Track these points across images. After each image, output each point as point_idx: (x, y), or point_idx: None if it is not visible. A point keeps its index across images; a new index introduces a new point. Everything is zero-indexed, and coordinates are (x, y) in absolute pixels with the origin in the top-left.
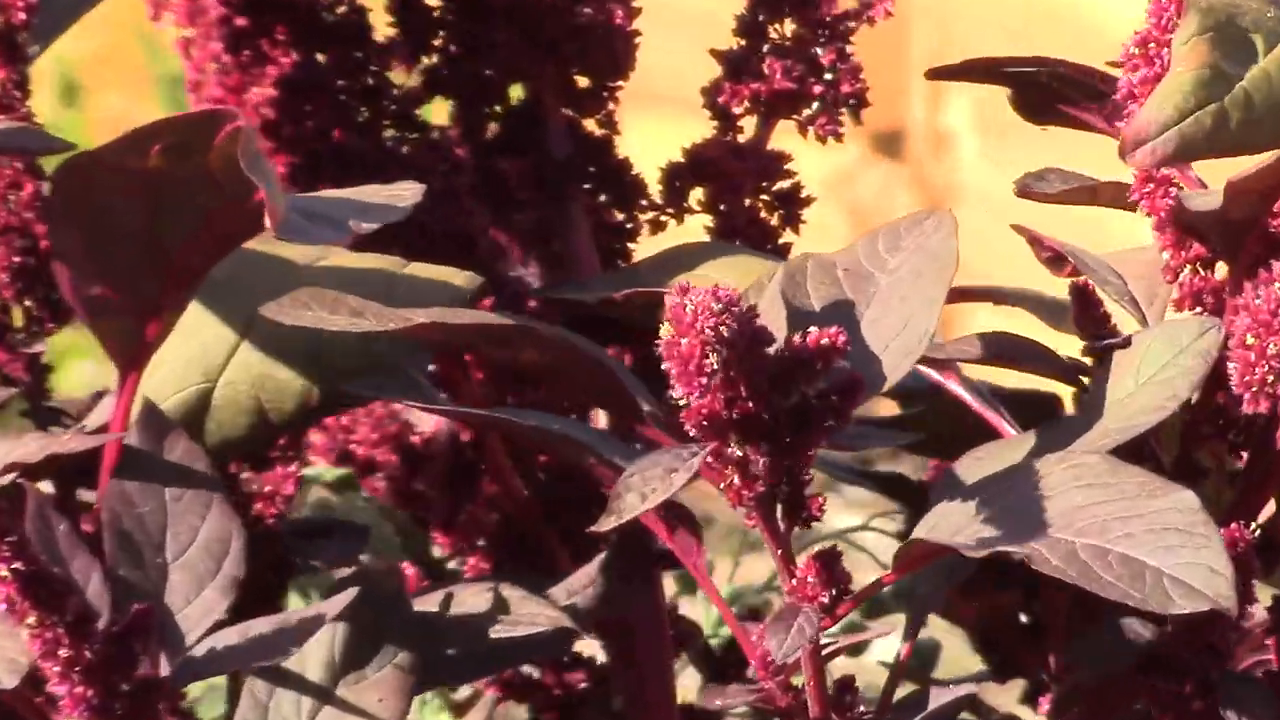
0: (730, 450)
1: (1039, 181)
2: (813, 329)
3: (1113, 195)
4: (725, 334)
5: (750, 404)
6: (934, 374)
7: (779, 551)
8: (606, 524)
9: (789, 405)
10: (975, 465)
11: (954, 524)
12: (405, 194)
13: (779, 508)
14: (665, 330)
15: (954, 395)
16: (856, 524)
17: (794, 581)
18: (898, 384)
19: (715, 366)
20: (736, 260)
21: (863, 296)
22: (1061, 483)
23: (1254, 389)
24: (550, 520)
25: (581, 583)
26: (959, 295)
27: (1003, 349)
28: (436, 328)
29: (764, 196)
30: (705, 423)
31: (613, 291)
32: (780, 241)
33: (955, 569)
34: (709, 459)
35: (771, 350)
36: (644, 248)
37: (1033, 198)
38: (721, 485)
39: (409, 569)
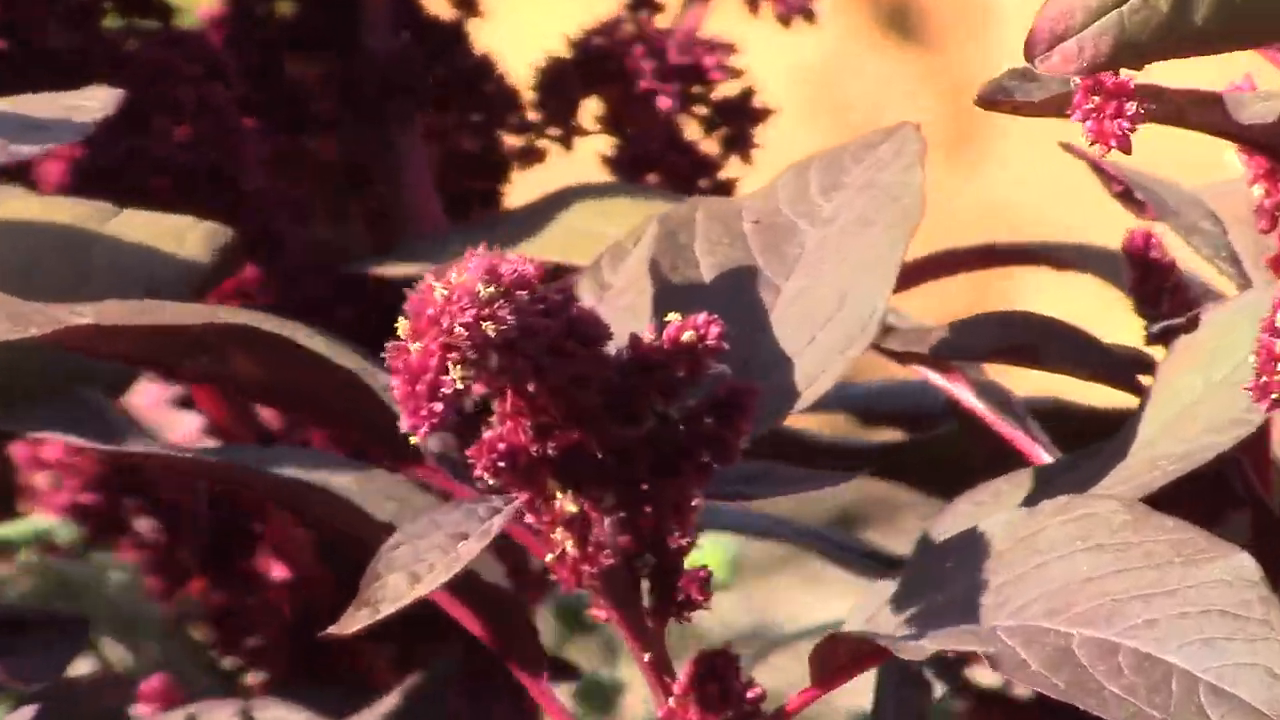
0: (556, 503)
1: (1016, 84)
2: (673, 317)
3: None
4: (496, 332)
5: (574, 432)
6: (941, 380)
7: (645, 658)
8: (353, 622)
9: (640, 434)
10: (965, 517)
11: (894, 610)
12: (91, 104)
13: (642, 590)
14: (400, 329)
15: (969, 410)
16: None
17: (669, 703)
18: (867, 395)
19: (459, 384)
20: (637, 207)
21: (779, 261)
22: (1060, 543)
23: None
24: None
25: (401, 707)
26: (996, 257)
27: (1014, 337)
28: (94, 333)
29: (696, 108)
30: (500, 462)
31: (441, 261)
32: (721, 177)
33: (908, 684)
34: (522, 516)
35: (610, 352)
36: (518, 190)
37: (999, 108)
38: (549, 559)
39: (157, 680)
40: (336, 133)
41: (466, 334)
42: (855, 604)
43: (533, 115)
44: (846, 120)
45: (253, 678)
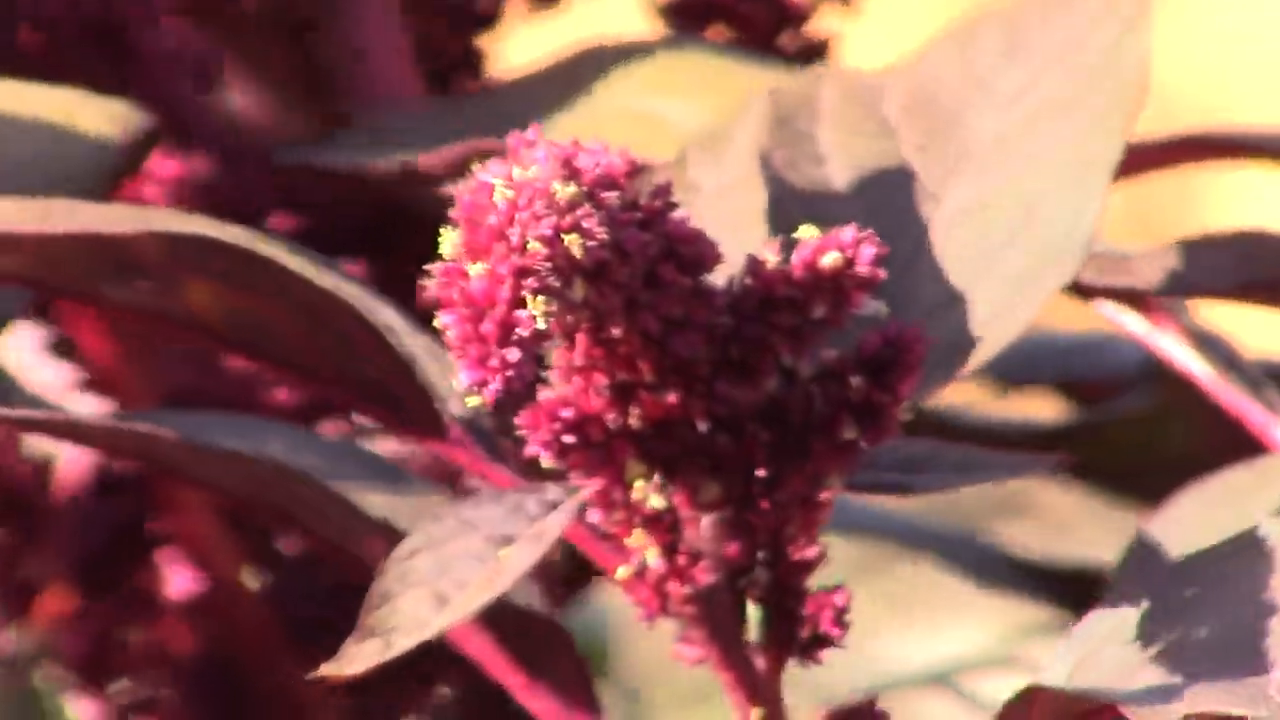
0: (637, 494)
1: None
2: (807, 232)
3: None
4: (583, 250)
5: (667, 395)
6: (1136, 325)
7: (754, 717)
8: (356, 659)
9: (758, 398)
10: (1193, 521)
11: (1120, 655)
12: None
13: (752, 619)
14: (447, 245)
15: (1178, 371)
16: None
17: None
18: (1016, 350)
19: (544, 322)
20: (702, 71)
21: (941, 160)
22: None
23: None
24: (303, 649)
25: None
26: (1200, 149)
27: (1266, 266)
28: None
29: None
30: (566, 435)
31: (431, 148)
32: (807, 36)
33: None
34: (587, 514)
35: (719, 283)
36: (515, 49)
37: None
38: (623, 574)
39: None
40: None
41: (546, 251)
42: (1022, 638)
43: None
44: None
45: None
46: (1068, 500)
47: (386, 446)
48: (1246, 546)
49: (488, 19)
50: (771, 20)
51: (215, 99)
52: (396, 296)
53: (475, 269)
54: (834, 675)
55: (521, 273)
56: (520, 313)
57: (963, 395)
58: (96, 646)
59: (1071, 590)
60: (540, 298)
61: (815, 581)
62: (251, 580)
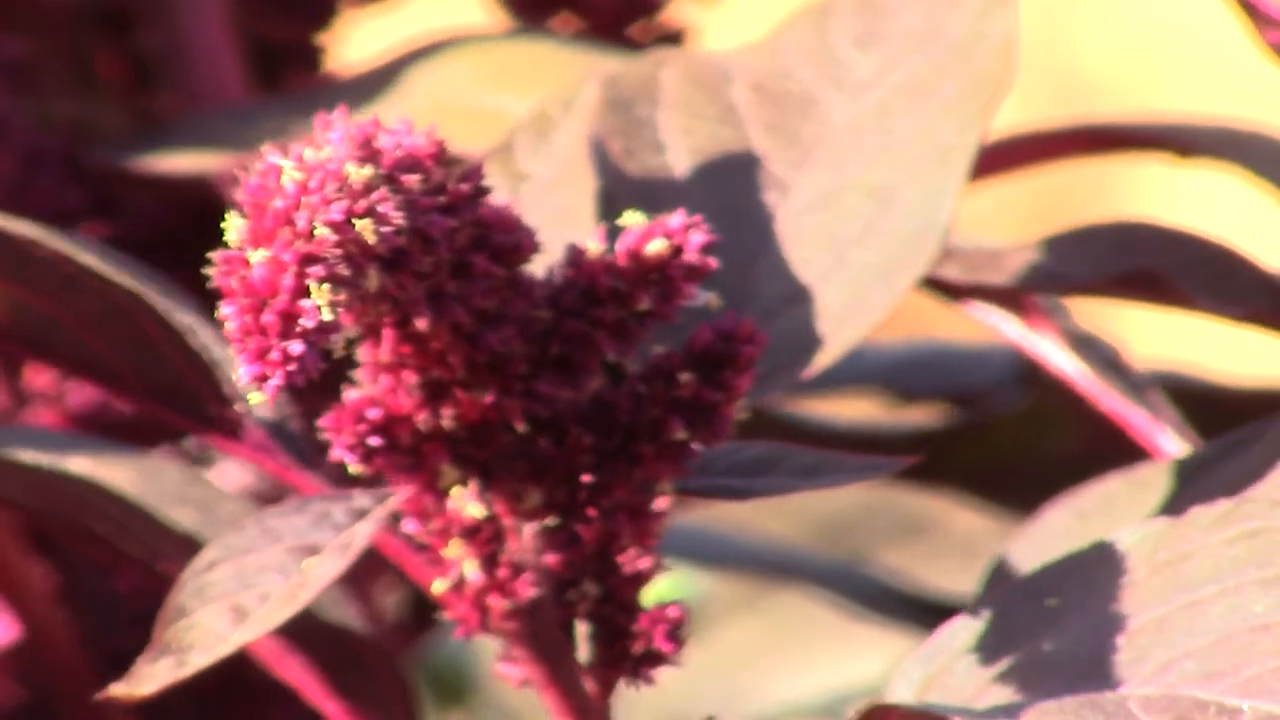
0: (454, 502)
1: None
2: (631, 219)
3: None
4: (378, 235)
5: (483, 394)
6: (1010, 329)
7: None
8: (147, 679)
9: (582, 398)
10: (1066, 532)
11: (969, 671)
12: None
13: (580, 638)
14: (232, 232)
15: (1052, 373)
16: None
17: None
18: (884, 357)
19: (326, 313)
20: (544, 62)
21: (791, 146)
22: (1223, 571)
23: None
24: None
25: None
26: (1096, 140)
27: (1138, 260)
28: None
29: None
30: (372, 437)
31: (248, 147)
32: (662, 26)
33: None
34: (400, 521)
35: (538, 274)
36: (356, 45)
37: None
38: (439, 587)
39: None
40: None
41: (335, 237)
42: (900, 661)
43: None
44: None
45: None
46: (970, 521)
47: (233, 471)
48: (1102, 558)
49: (322, 13)
50: (622, 9)
51: (27, 98)
52: (212, 304)
53: (257, 256)
54: (710, 707)
55: (306, 260)
56: (305, 303)
57: (856, 409)
58: None
59: None
60: (327, 286)
61: (652, 597)
62: (68, 619)
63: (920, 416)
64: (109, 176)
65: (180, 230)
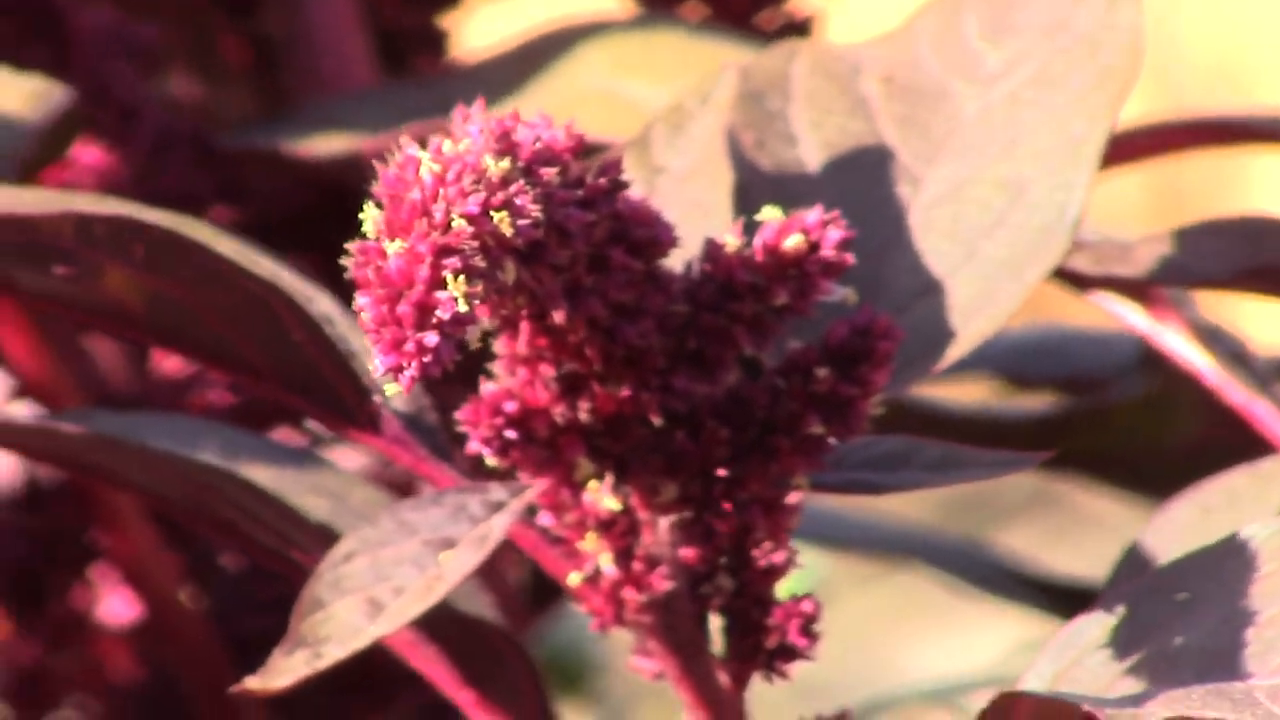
0: (589, 495)
1: None
2: (770, 214)
3: None
4: (515, 229)
5: (619, 388)
6: (1136, 319)
7: None
8: (283, 672)
9: (718, 392)
10: (1192, 525)
11: (1103, 663)
12: None
13: (714, 631)
14: (368, 223)
15: (1178, 364)
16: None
17: None
18: (1001, 343)
19: (463, 305)
20: (673, 50)
21: (922, 139)
22: None
23: None
24: (247, 668)
25: None
26: (1221, 132)
27: (1265, 253)
28: None
29: None
30: (509, 430)
31: (385, 129)
32: (788, 14)
33: None
34: (537, 517)
35: (676, 268)
36: (481, 30)
37: None
38: (575, 580)
39: None
40: None
41: (471, 229)
42: (1026, 655)
43: None
44: None
45: None
46: (1092, 502)
47: (347, 458)
48: (1232, 552)
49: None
50: None
51: (154, 83)
52: (345, 291)
53: (394, 247)
54: (830, 689)
55: (443, 251)
56: (440, 294)
57: (971, 393)
58: (31, 673)
59: (1081, 602)
60: (463, 278)
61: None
62: (191, 598)
63: (1037, 402)
64: (236, 160)
65: (309, 213)
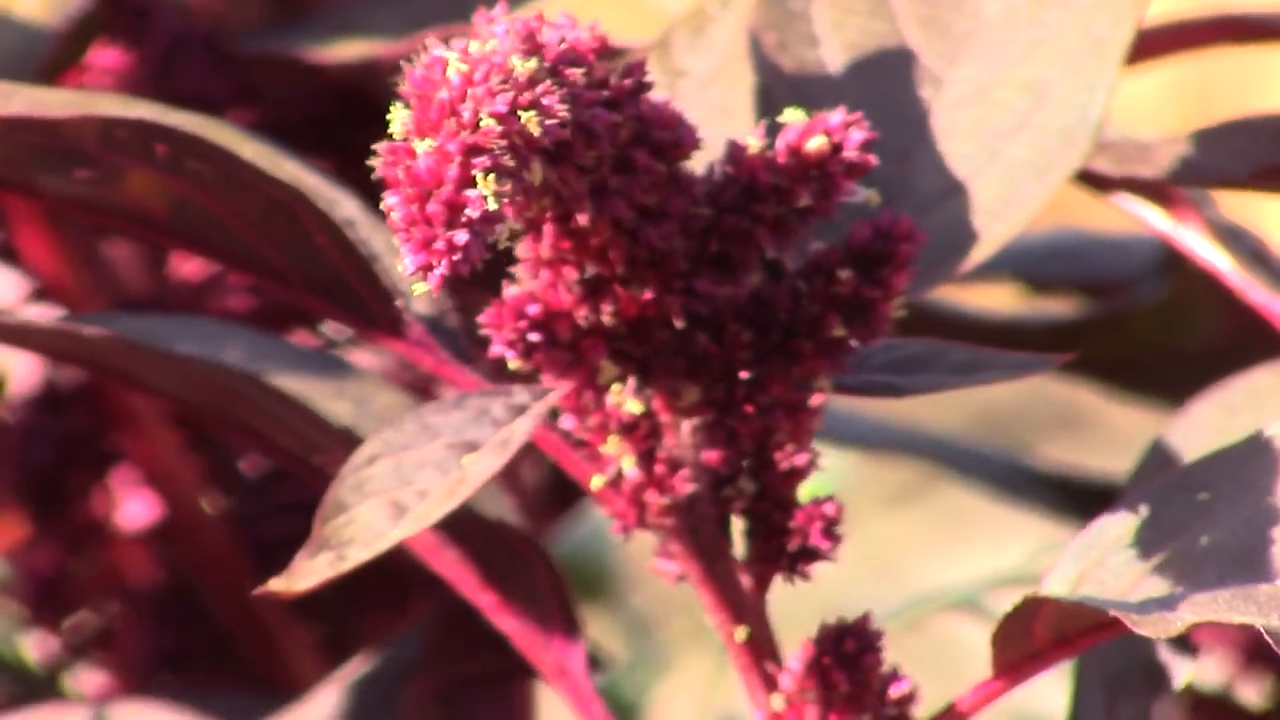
0: (612, 398)
1: None
2: (792, 115)
3: None
4: (541, 127)
5: (642, 290)
6: (1156, 220)
7: (738, 634)
8: (306, 574)
9: (741, 294)
10: (1214, 425)
11: (1126, 564)
12: None
13: (736, 534)
14: (395, 124)
15: (1199, 264)
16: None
17: (775, 704)
18: (1021, 246)
19: (495, 203)
20: None
21: (943, 39)
22: None
23: None
24: (267, 571)
25: (332, 713)
26: (1242, 29)
27: None
28: None
29: None
30: (532, 333)
31: (399, 35)
32: None
33: (1130, 678)
34: (559, 420)
35: (698, 170)
36: None
37: None
38: (597, 483)
39: None
40: None
41: (500, 129)
42: (1053, 555)
43: None
44: None
45: (94, 677)
46: (1125, 414)
47: (360, 359)
48: (1256, 451)
49: None
50: None
51: None
52: (364, 193)
53: (423, 146)
54: (861, 595)
55: (472, 150)
56: (470, 193)
57: (992, 298)
58: (50, 579)
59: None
60: (492, 177)
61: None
62: (211, 501)
63: (1058, 306)
64: (252, 64)
65: (324, 117)
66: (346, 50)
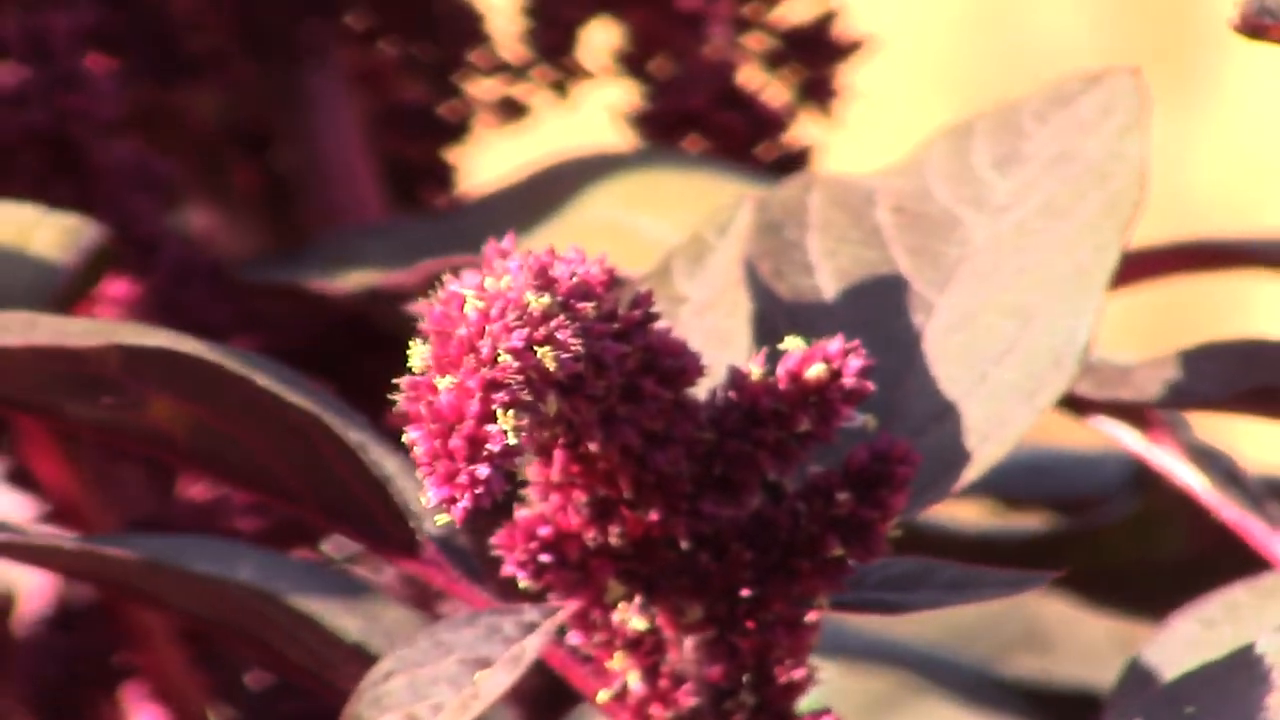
0: (618, 615)
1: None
2: (792, 344)
3: None
4: (557, 363)
5: (648, 513)
6: (1132, 441)
7: None
8: None
9: (742, 516)
10: (1193, 640)
11: None
12: None
13: None
14: (415, 359)
15: (1175, 485)
16: None
17: None
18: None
19: (515, 437)
20: (678, 183)
21: (933, 267)
22: None
23: None
24: None
25: None
26: (1210, 257)
27: (1265, 375)
28: None
29: (759, 38)
30: (543, 554)
31: (397, 265)
32: (786, 146)
33: None
34: (567, 636)
35: (702, 396)
36: (486, 163)
37: (1267, 36)
38: (604, 697)
39: None
40: (222, 78)
41: (518, 364)
42: None
43: (510, 51)
44: (1006, 60)
45: None
46: (1090, 630)
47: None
48: (1242, 665)
49: (455, 131)
50: (749, 130)
51: (172, 215)
52: (368, 416)
53: (444, 383)
54: None
55: (492, 386)
56: (490, 427)
57: (962, 512)
58: None
59: None
60: (511, 412)
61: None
62: (217, 714)
63: (1029, 520)
64: (254, 291)
65: (323, 343)
66: (346, 282)
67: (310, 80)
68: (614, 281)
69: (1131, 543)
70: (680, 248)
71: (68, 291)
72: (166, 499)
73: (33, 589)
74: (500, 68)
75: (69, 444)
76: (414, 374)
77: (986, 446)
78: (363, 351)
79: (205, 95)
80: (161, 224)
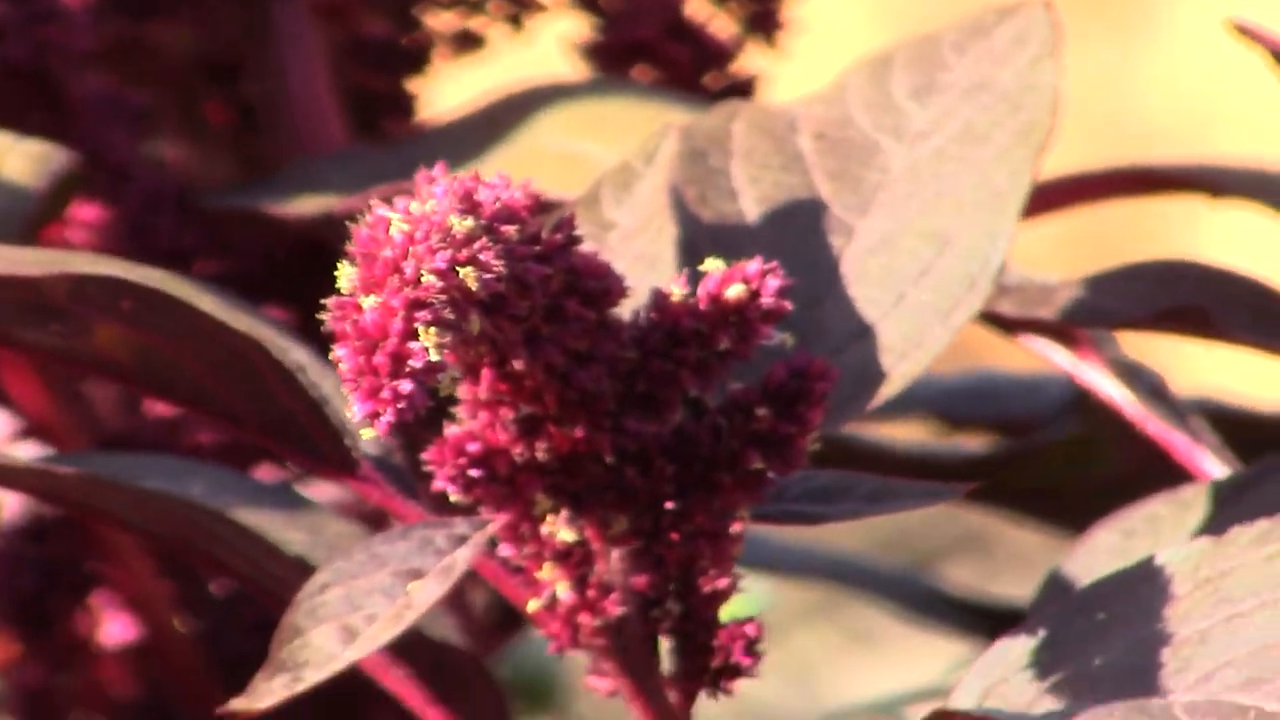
0: (547, 528)
1: None
2: (712, 266)
3: None
4: (479, 282)
5: (574, 429)
6: (1062, 359)
7: None
8: (264, 695)
9: (665, 432)
10: (1114, 551)
11: (1027, 681)
12: None
13: (664, 652)
14: (343, 280)
15: (1102, 401)
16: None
17: None
18: (937, 386)
19: (437, 353)
20: (627, 112)
21: (853, 192)
22: (1261, 586)
23: None
24: (234, 687)
25: None
26: (1145, 182)
27: (1182, 296)
28: None
29: None
30: (472, 469)
31: (356, 191)
32: (732, 76)
33: None
34: (496, 547)
35: (625, 317)
36: (446, 94)
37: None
38: (533, 607)
39: None
40: (193, 12)
41: (440, 284)
42: (961, 671)
43: None
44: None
45: None
46: (1025, 537)
47: (321, 492)
48: (1149, 575)
49: (416, 63)
50: (696, 61)
51: (146, 147)
52: (322, 339)
53: (369, 302)
54: (785, 707)
55: (414, 305)
56: (413, 344)
57: (910, 434)
58: (38, 693)
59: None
60: (434, 329)
61: (729, 614)
62: (183, 622)
63: (972, 442)
64: (221, 218)
65: (286, 267)
66: (303, 206)
67: (277, 14)
68: (539, 206)
69: (1070, 462)
70: (609, 175)
71: (37, 214)
72: (136, 417)
73: (5, 503)
74: (458, 1)
75: (42, 368)
76: (341, 294)
77: (904, 364)
78: (322, 275)
79: (178, 29)
80: (134, 154)
